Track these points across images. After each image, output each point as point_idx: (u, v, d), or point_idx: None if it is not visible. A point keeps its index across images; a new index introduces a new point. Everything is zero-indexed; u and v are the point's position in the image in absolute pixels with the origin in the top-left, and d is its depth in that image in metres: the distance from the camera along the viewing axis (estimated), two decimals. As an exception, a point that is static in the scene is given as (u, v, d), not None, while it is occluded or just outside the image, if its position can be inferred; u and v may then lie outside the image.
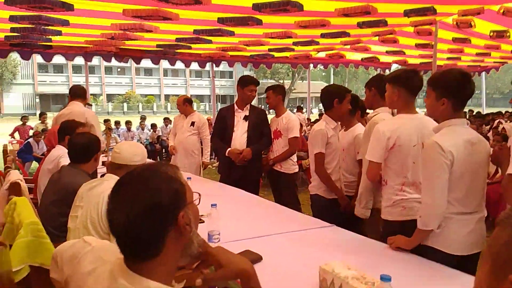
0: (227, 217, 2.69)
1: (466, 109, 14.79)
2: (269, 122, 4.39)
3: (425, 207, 2.05)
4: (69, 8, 4.43)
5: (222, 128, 4.32)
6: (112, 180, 2.20)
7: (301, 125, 9.94)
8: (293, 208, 4.17)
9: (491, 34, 6.79)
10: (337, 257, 1.86)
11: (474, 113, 12.11)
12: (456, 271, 1.93)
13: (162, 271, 1.06)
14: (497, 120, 10.17)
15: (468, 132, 2.13)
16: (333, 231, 2.59)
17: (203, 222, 2.40)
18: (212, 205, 2.32)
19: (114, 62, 8.29)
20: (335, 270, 1.68)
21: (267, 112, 4.78)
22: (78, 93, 4.69)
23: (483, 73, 12.79)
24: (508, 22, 6.11)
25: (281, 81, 45.00)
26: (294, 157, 4.48)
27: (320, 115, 13.11)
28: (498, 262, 0.66)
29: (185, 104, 5.55)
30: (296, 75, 41.48)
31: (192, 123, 5.42)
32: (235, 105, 4.33)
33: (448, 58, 9.79)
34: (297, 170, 4.58)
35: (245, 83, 4.22)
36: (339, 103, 3.25)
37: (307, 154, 8.11)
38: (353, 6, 4.55)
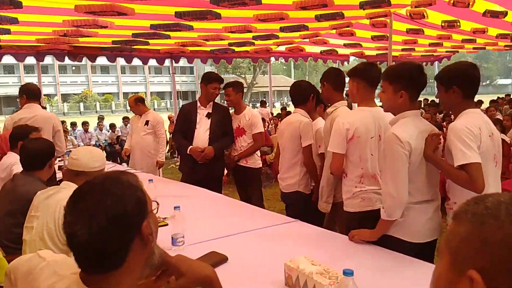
0: (191, 218, 2.63)
1: (421, 98, 15.37)
2: None
3: (388, 198, 2.09)
4: (17, 5, 4.21)
5: (184, 125, 4.25)
6: (70, 188, 2.09)
7: (264, 120, 9.99)
8: (258, 203, 4.21)
9: (443, 24, 7.06)
10: (302, 252, 1.87)
11: (428, 102, 12.57)
12: (418, 260, 1.99)
13: (125, 283, 1.03)
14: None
15: (422, 123, 2.20)
16: (298, 226, 2.62)
17: (167, 225, 2.35)
18: (175, 207, 2.27)
19: (68, 61, 7.97)
20: (300, 266, 1.70)
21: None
22: (35, 93, 4.29)
23: (436, 63, 13.30)
24: (458, 13, 6.37)
25: (243, 76, 45.01)
26: (258, 152, 4.50)
27: (283, 109, 13.21)
28: (457, 257, 0.66)
29: (137, 103, 5.44)
30: (258, 69, 41.59)
31: (147, 122, 5.32)
32: (198, 102, 4.28)
33: (403, 49, 10.12)
34: (261, 165, 4.60)
35: (209, 80, 4.17)
36: (314, 99, 3.34)
37: (271, 148, 8.20)
38: (311, -1, 4.60)
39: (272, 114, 12.55)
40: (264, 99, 14.58)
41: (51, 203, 2.10)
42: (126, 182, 1.07)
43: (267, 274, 1.89)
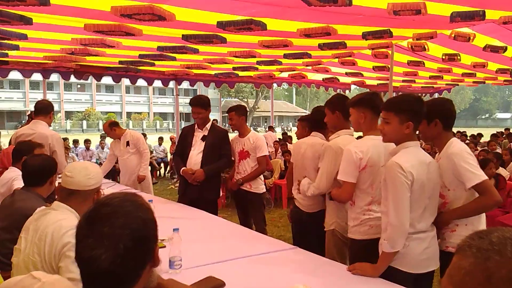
0: (189, 241, 2.62)
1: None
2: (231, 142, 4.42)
3: (391, 228, 2.09)
4: (28, 22, 4.29)
5: (182, 147, 4.36)
6: (60, 211, 2.00)
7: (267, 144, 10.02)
8: (260, 228, 4.20)
9: (444, 57, 7.19)
10: (300, 280, 1.86)
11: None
12: None
13: None
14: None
15: (422, 153, 2.25)
16: (296, 253, 2.61)
17: (164, 247, 2.34)
18: (174, 229, 2.25)
19: (74, 79, 8.09)
20: None
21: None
22: (41, 109, 4.34)
23: (436, 95, 13.45)
24: (459, 46, 6.50)
25: (245, 100, 45.40)
26: (262, 177, 4.51)
27: (284, 133, 13.27)
28: None
29: (112, 128, 5.47)
30: (260, 94, 42.02)
31: (127, 143, 5.34)
32: (195, 125, 4.39)
33: (404, 80, 10.26)
34: (264, 189, 4.61)
35: (190, 105, 4.29)
36: None
37: (271, 173, 8.21)
38: (314, 27, 4.70)
39: (280, 139, 12.52)
40: (266, 123, 14.66)
41: (39, 227, 1.96)
42: (145, 205, 1.08)
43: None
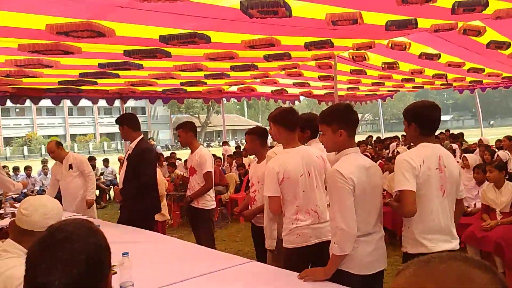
0: (141, 264, 2.52)
1: (366, 135, 16.07)
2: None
3: (339, 233, 2.13)
4: (-45, 44, 4.02)
5: None
6: (11, 252, 1.80)
7: (220, 159, 9.89)
8: (209, 246, 4.12)
9: (383, 65, 7.54)
10: None
11: (374, 139, 13.13)
12: None
13: None
14: (395, 143, 11.10)
15: (361, 158, 2.34)
16: (253, 266, 2.59)
17: (115, 273, 2.22)
18: (123, 254, 2.14)
19: (11, 103, 7.63)
20: None
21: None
22: None
23: (379, 101, 14.06)
24: (397, 55, 6.85)
25: (196, 116, 45.10)
26: (212, 192, 4.45)
27: (237, 147, 13.19)
28: None
29: (59, 147, 5.29)
30: (211, 108, 41.90)
31: (70, 166, 5.16)
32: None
33: (348, 88, 10.63)
34: (214, 206, 4.55)
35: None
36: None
37: (226, 187, 8.14)
38: (258, 38, 4.76)
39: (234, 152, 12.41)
40: (219, 138, 14.61)
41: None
42: (99, 231, 1.09)
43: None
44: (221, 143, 13.69)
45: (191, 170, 4.45)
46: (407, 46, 6.12)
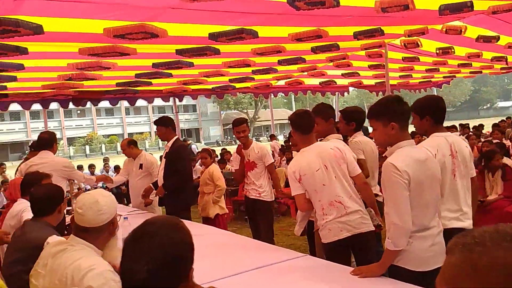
0: (197, 257, 2.60)
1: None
2: (233, 156, 4.54)
3: (393, 228, 2.11)
4: (23, 52, 4.35)
5: None
6: (76, 246, 1.95)
7: (274, 153, 9.99)
8: (268, 238, 4.21)
9: (437, 51, 7.21)
10: (310, 287, 1.85)
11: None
12: None
13: None
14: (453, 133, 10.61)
15: (416, 151, 2.26)
16: (306, 261, 2.62)
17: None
18: None
19: (73, 106, 8.15)
20: None
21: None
22: (45, 143, 4.48)
23: (435, 89, 13.45)
24: (452, 39, 6.53)
25: (245, 111, 45.53)
26: (270, 185, 4.55)
27: (286, 141, 13.18)
28: (451, 284, 0.71)
29: (130, 146, 5.47)
30: (259, 104, 42.15)
31: (140, 166, 5.34)
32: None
33: (401, 76, 10.26)
34: (273, 198, 4.64)
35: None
36: None
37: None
38: (305, 31, 4.74)
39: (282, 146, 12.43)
40: (267, 132, 14.68)
41: (59, 265, 1.91)
42: (183, 228, 1.17)
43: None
44: (269, 138, 13.71)
45: (249, 165, 4.47)
46: (463, 30, 5.82)
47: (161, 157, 4.98)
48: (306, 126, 2.87)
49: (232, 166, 9.19)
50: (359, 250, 2.72)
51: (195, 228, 3.72)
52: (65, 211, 4.90)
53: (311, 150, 2.82)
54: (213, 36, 4.37)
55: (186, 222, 3.62)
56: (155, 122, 4.74)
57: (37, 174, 3.41)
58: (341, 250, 2.65)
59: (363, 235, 2.70)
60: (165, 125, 4.63)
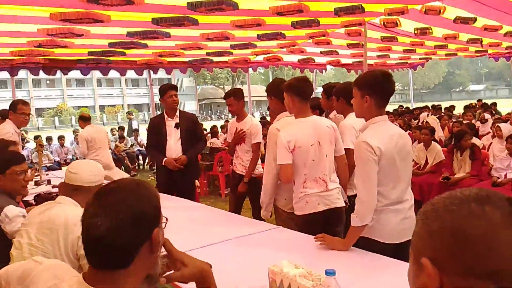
0: (173, 229, 2.60)
1: (396, 105, 15.71)
2: (228, 127, 4.47)
3: (360, 204, 2.16)
4: (-11, 13, 4.12)
5: (155, 137, 4.40)
6: (69, 204, 2.06)
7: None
8: (258, 214, 4.18)
9: (416, 31, 7.25)
10: (285, 257, 1.87)
11: (403, 108, 12.88)
12: (394, 259, 2.03)
13: (128, 284, 1.07)
14: (425, 113, 10.87)
15: (390, 127, 2.29)
16: (280, 232, 2.66)
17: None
18: None
19: (43, 75, 7.82)
20: (283, 270, 1.71)
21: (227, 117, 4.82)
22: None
23: (410, 70, 13.64)
24: (430, 20, 6.57)
25: (222, 87, 45.08)
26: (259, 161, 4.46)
27: (263, 118, 13.21)
28: (415, 252, 0.74)
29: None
30: (236, 79, 41.77)
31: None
32: (164, 114, 4.38)
33: (378, 56, 10.33)
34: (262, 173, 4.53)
35: (164, 91, 4.31)
36: None
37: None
38: (286, 5, 4.66)
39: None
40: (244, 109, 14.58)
41: (49, 216, 2.00)
42: (148, 189, 1.15)
43: (251, 280, 1.89)
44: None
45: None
46: (442, 11, 5.85)
47: (153, 128, 4.48)
48: (307, 91, 2.82)
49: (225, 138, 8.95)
50: (330, 224, 2.76)
51: (169, 201, 3.71)
52: (34, 181, 4.78)
53: (308, 123, 2.79)
54: (192, 6, 4.23)
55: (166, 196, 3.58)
56: (228, 94, 4.30)
57: (2, 141, 3.29)
58: (314, 222, 2.69)
59: (338, 209, 2.79)
60: (237, 99, 4.26)
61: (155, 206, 1.13)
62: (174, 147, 4.28)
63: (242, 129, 4.24)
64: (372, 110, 2.24)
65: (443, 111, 11.90)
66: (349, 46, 8.41)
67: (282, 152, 2.72)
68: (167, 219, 1.26)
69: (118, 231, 1.03)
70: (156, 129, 4.39)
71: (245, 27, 5.48)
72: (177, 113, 4.35)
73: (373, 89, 2.23)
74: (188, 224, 2.90)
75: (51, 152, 10.60)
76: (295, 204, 2.83)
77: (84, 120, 7.03)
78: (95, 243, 1.05)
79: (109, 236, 1.03)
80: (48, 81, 47.77)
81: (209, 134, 10.10)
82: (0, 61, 6.91)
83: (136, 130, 11.83)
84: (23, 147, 8.17)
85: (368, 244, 2.19)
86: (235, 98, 4.25)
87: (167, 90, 4.28)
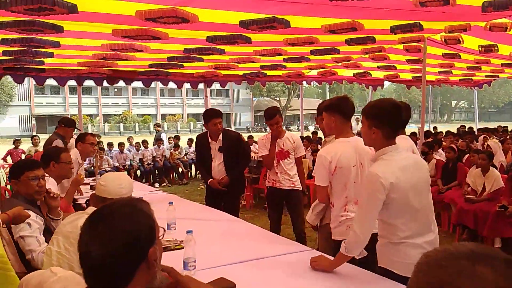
0: (207, 242, 2.66)
1: (459, 124, 14.81)
2: (264, 142, 4.41)
3: (353, 235, 2.13)
4: (59, 30, 4.46)
5: (202, 157, 4.61)
6: None
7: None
8: (300, 230, 4.24)
9: (480, 49, 6.87)
10: (309, 282, 1.83)
11: (466, 129, 12.13)
12: None
13: None
14: (482, 136, 10.19)
15: (403, 157, 2.19)
16: (312, 255, 2.55)
17: (182, 248, 2.36)
18: (187, 231, 2.27)
19: (107, 84, 8.36)
20: None
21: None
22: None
23: (475, 89, 12.90)
24: (496, 37, 6.19)
25: (277, 99, 45.30)
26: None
27: (314, 133, 13.03)
28: None
29: None
30: (292, 92, 41.79)
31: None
32: (208, 137, 4.49)
33: (440, 72, 9.88)
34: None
35: (208, 118, 4.39)
36: None
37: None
38: (339, 23, 4.59)
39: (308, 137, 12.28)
40: (299, 121, 14.53)
41: (74, 229, 2.06)
42: (141, 210, 1.17)
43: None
44: (299, 127, 13.60)
45: (282, 154, 4.32)
46: (509, 27, 5.49)
47: (199, 147, 4.68)
48: (349, 110, 2.76)
49: (258, 152, 9.06)
50: (368, 250, 2.64)
51: (208, 213, 3.78)
52: (90, 185, 5.09)
53: (350, 143, 2.73)
54: (244, 24, 4.32)
55: (199, 206, 3.66)
56: (218, 114, 4.41)
57: (57, 148, 3.53)
58: None
59: (375, 236, 2.66)
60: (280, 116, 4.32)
61: (150, 226, 1.15)
62: (217, 168, 4.45)
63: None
64: (380, 141, 2.17)
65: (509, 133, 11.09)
66: (409, 61, 8.13)
67: (322, 172, 2.67)
68: (164, 230, 1.28)
69: (112, 258, 1.06)
70: (201, 149, 4.60)
71: (298, 45, 5.49)
72: (220, 137, 4.43)
73: (381, 120, 2.15)
74: (222, 240, 2.90)
75: (111, 158, 11.16)
76: (335, 229, 2.75)
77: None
78: (91, 271, 1.09)
79: (103, 264, 1.06)
80: (115, 89, 50.65)
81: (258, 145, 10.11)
82: (68, 70, 7.47)
83: (161, 140, 12.12)
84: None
85: (384, 274, 2.15)
86: (280, 115, 4.32)
87: (211, 118, 4.35)
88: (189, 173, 12.03)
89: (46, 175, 3.03)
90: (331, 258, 2.36)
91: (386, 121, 2.15)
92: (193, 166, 12.08)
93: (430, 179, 2.27)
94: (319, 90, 55.38)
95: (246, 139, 11.09)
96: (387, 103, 2.22)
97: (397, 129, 2.22)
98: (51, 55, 5.99)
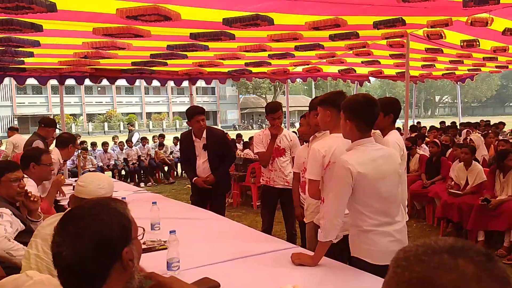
0: (191, 241, 2.64)
1: (442, 119, 15.00)
2: (261, 138, 4.38)
3: (327, 219, 2.20)
4: (38, 29, 4.36)
5: (186, 154, 4.58)
6: None
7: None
8: (293, 225, 4.20)
9: (462, 44, 6.95)
10: (296, 279, 1.83)
11: (445, 125, 12.29)
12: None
13: None
14: (465, 130, 10.35)
15: (374, 149, 2.29)
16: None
17: (166, 248, 2.34)
18: (170, 231, 2.24)
19: (90, 82, 8.23)
20: None
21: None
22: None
23: (459, 83, 13.07)
24: (477, 32, 6.27)
25: (264, 96, 45.33)
26: None
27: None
28: None
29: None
30: (278, 89, 41.85)
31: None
32: (192, 135, 4.44)
33: (423, 66, 9.98)
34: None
35: (191, 115, 4.35)
36: None
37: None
38: (323, 19, 4.59)
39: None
40: (285, 119, 14.57)
41: (51, 232, 2.03)
42: (114, 209, 1.15)
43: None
44: (285, 124, 13.62)
45: (279, 151, 4.27)
46: (489, 22, 5.56)
47: (183, 145, 4.63)
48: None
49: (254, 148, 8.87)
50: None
51: (193, 212, 3.75)
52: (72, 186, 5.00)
53: (342, 137, 2.67)
54: (228, 22, 4.28)
55: (184, 206, 3.64)
56: (202, 111, 4.42)
57: (38, 149, 3.47)
58: (343, 244, 2.52)
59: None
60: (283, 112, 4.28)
61: (123, 226, 1.13)
62: (202, 167, 4.42)
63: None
64: (354, 133, 2.27)
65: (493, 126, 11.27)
66: (392, 56, 8.19)
67: (315, 166, 2.61)
68: (144, 230, 1.26)
69: (83, 259, 1.05)
70: (186, 147, 4.54)
71: (282, 41, 5.48)
72: (204, 134, 4.38)
73: (355, 114, 2.25)
74: (207, 239, 2.88)
75: (95, 157, 11.01)
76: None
77: (12, 130, 8.75)
78: (63, 272, 1.07)
79: (75, 265, 1.05)
80: (99, 88, 50.01)
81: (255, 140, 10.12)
82: (49, 69, 7.33)
83: (130, 141, 11.87)
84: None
85: (359, 266, 2.21)
86: (282, 111, 4.29)
87: (194, 115, 4.31)
88: (175, 172, 11.94)
89: (26, 176, 2.97)
90: (312, 253, 2.38)
91: (360, 114, 2.25)
92: (179, 165, 11.98)
93: (402, 172, 2.36)
94: (305, 87, 55.59)
95: (234, 138, 11.10)
96: (361, 97, 2.33)
97: (371, 122, 2.30)
98: (31, 55, 5.87)
